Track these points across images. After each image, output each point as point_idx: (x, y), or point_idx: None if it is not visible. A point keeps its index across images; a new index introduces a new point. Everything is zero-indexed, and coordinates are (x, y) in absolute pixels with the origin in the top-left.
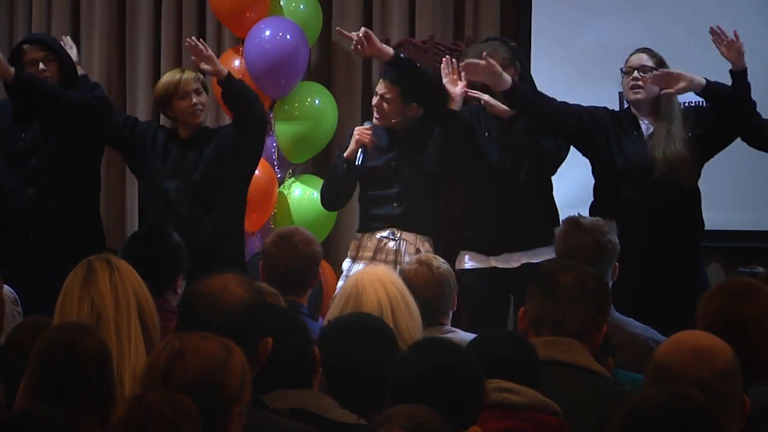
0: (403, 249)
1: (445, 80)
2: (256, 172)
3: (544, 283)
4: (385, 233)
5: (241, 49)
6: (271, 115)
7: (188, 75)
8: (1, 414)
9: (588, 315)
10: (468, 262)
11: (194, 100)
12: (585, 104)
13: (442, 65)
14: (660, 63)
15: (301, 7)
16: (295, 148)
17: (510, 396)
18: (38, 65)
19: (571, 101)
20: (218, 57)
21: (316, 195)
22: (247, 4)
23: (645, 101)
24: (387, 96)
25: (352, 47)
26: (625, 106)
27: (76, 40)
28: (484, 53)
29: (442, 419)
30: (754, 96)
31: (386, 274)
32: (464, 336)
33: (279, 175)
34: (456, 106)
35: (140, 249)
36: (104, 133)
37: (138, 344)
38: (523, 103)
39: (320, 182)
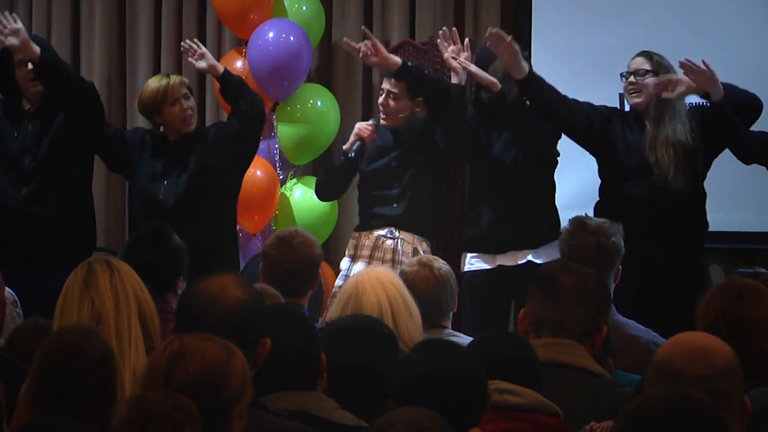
0: (400, 248)
1: (446, 54)
2: (258, 173)
3: (544, 284)
4: (383, 231)
5: (244, 50)
6: (274, 116)
7: (174, 80)
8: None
9: (588, 316)
10: (473, 263)
11: (184, 105)
12: None
13: (440, 38)
14: (659, 65)
15: (304, 8)
16: (297, 149)
17: (510, 397)
18: (27, 65)
19: None
20: (219, 58)
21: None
22: (251, 5)
23: (643, 104)
24: (394, 91)
25: (360, 56)
26: (626, 108)
27: (76, 41)
28: (509, 37)
29: (445, 424)
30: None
31: (386, 275)
32: (465, 340)
33: (281, 177)
34: (458, 79)
35: (141, 250)
36: (101, 128)
37: (138, 346)
38: (536, 92)
39: None
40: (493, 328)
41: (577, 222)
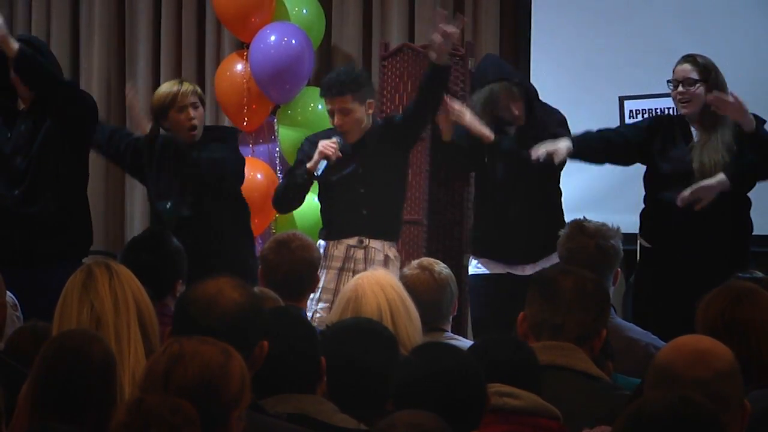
0: (372, 257)
1: (434, 36)
2: (258, 176)
3: (544, 287)
4: (352, 242)
5: (245, 53)
6: (275, 119)
7: (186, 87)
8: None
9: (587, 319)
10: (479, 266)
11: (191, 114)
12: (586, 109)
13: (437, 15)
14: (706, 70)
15: (304, 11)
16: None
17: (510, 400)
18: None
19: (572, 106)
20: (219, 61)
21: (317, 200)
22: (252, 8)
23: (693, 113)
24: (343, 107)
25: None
26: (626, 111)
27: (76, 43)
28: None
29: (446, 427)
30: (754, 97)
31: (386, 278)
32: (465, 343)
33: (281, 180)
34: (437, 58)
35: (140, 253)
36: (93, 130)
37: (137, 349)
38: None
39: None
40: (496, 331)
41: (576, 225)
